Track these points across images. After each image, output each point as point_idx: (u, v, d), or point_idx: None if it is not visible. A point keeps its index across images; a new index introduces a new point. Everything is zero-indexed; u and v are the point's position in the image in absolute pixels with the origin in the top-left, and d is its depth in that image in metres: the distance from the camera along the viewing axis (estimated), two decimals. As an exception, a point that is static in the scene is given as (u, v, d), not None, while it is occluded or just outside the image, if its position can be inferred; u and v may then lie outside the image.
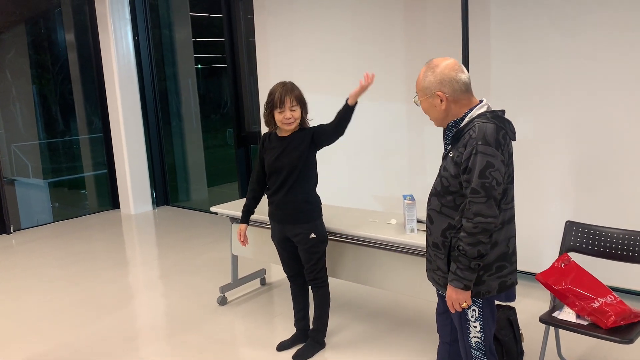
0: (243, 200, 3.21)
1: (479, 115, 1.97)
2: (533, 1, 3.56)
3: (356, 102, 2.73)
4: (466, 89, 2.00)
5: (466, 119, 1.99)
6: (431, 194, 2.10)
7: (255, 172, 3.02)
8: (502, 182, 1.91)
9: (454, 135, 2.00)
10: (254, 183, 3.04)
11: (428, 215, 2.11)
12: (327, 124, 2.82)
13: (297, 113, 2.79)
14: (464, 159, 1.91)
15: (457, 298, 1.97)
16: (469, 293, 1.97)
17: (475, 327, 2.05)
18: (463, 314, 2.06)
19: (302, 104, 2.83)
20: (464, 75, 2.00)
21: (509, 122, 1.99)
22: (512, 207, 2.03)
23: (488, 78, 3.80)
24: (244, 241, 3.12)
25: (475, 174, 1.87)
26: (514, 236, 2.05)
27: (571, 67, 3.48)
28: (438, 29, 3.98)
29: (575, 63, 3.46)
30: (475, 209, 1.87)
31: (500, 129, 1.92)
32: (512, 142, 1.99)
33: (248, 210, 3.11)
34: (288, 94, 2.76)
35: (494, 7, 3.72)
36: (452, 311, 2.04)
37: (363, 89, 2.70)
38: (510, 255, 2.03)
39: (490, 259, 1.98)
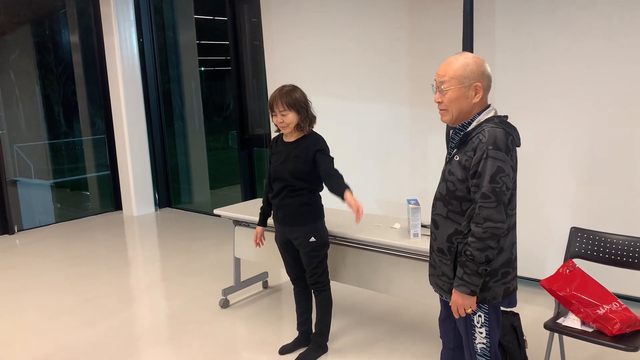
0: (246, 203, 3.22)
1: (487, 120, 1.96)
2: (536, 10, 3.56)
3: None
4: (490, 87, 2.00)
5: (474, 123, 1.98)
6: (436, 199, 2.09)
7: (268, 174, 3.03)
8: (511, 188, 1.91)
9: (461, 138, 1.99)
10: (267, 185, 3.05)
11: (433, 220, 2.10)
12: (324, 172, 2.72)
13: (289, 118, 2.74)
14: (473, 163, 1.90)
15: (463, 303, 1.96)
16: (474, 298, 1.96)
17: (481, 332, 2.04)
18: (469, 319, 2.05)
19: (296, 108, 2.74)
20: (490, 74, 2.00)
21: (514, 128, 1.99)
22: (516, 214, 2.02)
23: (492, 83, 3.79)
24: (259, 243, 3.15)
25: (486, 178, 1.86)
26: (516, 242, 2.05)
27: (576, 72, 3.48)
28: (441, 36, 3.98)
29: (580, 69, 3.46)
30: (485, 213, 1.87)
31: (508, 134, 1.91)
32: (517, 148, 1.98)
33: (263, 213, 3.14)
34: (278, 99, 2.73)
35: (499, 14, 3.72)
36: (457, 317, 2.02)
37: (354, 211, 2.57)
38: (513, 261, 2.03)
39: (496, 265, 1.97)
